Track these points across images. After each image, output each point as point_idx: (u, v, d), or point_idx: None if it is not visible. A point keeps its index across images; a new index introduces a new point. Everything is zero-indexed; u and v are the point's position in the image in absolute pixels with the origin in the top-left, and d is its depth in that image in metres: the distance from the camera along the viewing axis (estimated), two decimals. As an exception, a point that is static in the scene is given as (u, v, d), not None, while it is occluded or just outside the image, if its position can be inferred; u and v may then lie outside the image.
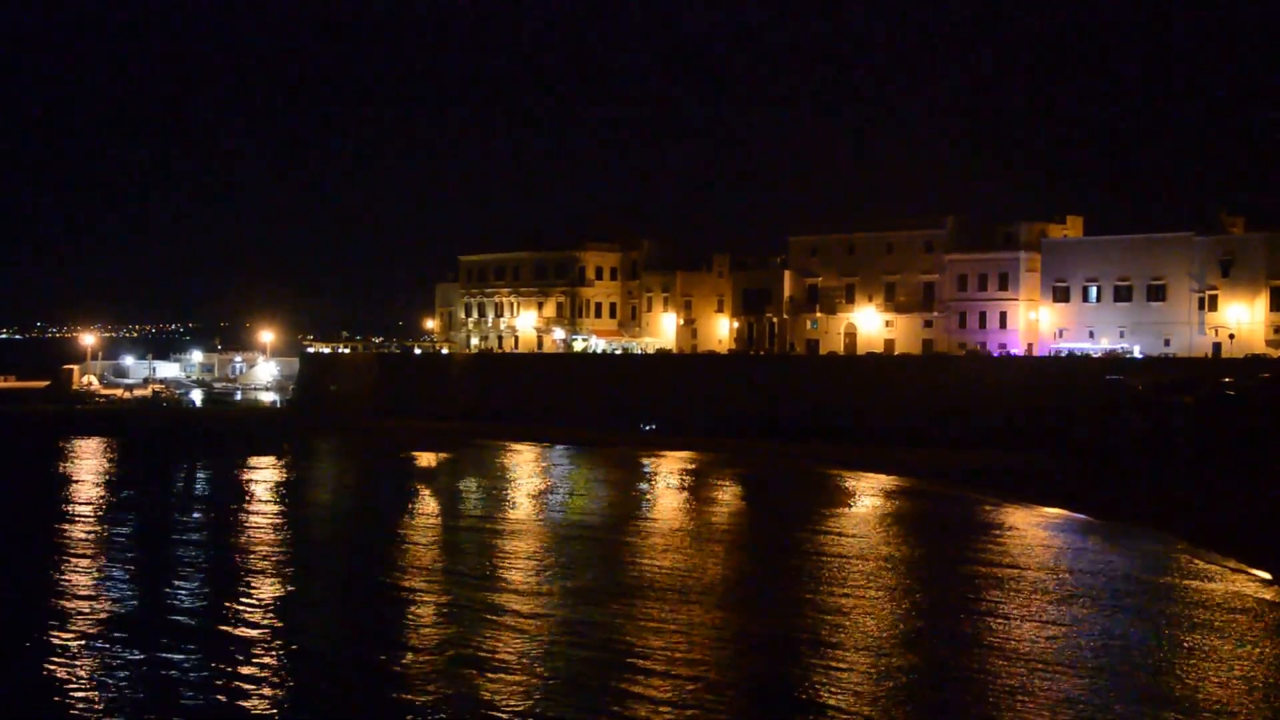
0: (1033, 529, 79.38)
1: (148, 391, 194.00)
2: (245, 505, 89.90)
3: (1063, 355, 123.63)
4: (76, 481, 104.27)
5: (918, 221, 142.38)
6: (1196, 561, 68.01)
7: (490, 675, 46.44)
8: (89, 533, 77.87)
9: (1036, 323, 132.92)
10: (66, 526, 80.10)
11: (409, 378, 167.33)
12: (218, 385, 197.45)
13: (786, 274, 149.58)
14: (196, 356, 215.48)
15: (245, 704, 43.45)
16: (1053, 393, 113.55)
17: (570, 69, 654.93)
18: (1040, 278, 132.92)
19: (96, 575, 64.75)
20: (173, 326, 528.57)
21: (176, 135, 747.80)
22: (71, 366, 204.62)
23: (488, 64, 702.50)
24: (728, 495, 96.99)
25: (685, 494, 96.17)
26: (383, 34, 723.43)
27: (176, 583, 63.10)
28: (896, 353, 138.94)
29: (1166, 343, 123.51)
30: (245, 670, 47.12)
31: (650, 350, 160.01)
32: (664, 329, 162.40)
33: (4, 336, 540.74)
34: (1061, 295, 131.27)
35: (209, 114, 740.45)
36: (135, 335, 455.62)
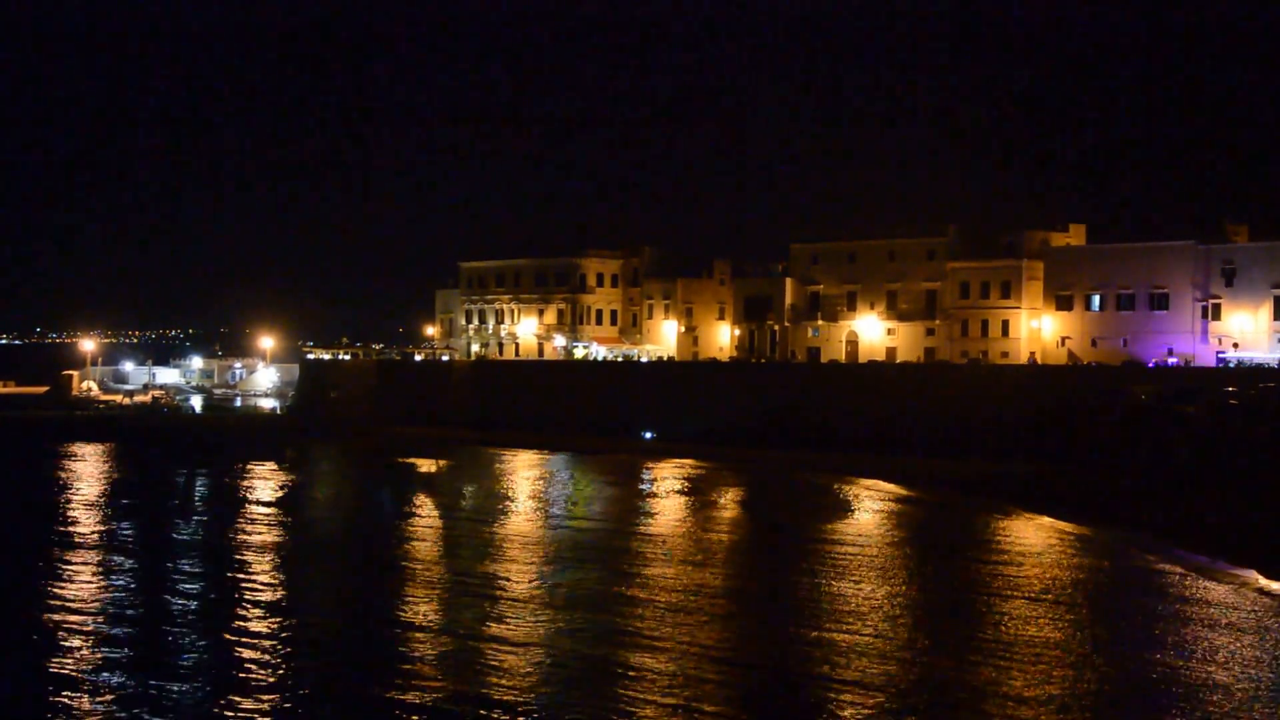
0: (1034, 538, 79.03)
1: (147, 397, 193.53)
2: (244, 511, 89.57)
3: (1232, 366, 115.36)
4: (75, 487, 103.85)
5: (920, 229, 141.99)
6: (1197, 569, 67.64)
7: (488, 683, 46.07)
8: (87, 537, 77.47)
9: (1039, 331, 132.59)
10: (64, 531, 79.71)
11: (409, 384, 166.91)
12: (217, 391, 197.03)
13: (788, 281, 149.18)
14: (196, 362, 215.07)
15: (242, 711, 43.13)
16: (1055, 402, 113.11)
17: (570, 74, 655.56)
18: (1043, 286, 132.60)
19: (95, 579, 64.36)
20: (173, 332, 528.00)
21: (176, 141, 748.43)
22: (71, 372, 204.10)
23: (488, 69, 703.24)
24: (728, 504, 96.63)
25: (686, 503, 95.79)
26: (382, 39, 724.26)
27: (174, 587, 62.77)
28: (898, 361, 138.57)
29: (1169, 351, 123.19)
30: (240, 678, 46.74)
31: (651, 357, 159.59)
32: (665, 336, 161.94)
33: (3, 342, 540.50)
34: (1064, 303, 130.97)
35: (209, 120, 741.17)
36: (135, 341, 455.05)
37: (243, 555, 71.96)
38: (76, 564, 69.16)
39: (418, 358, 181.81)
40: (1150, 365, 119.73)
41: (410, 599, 60.75)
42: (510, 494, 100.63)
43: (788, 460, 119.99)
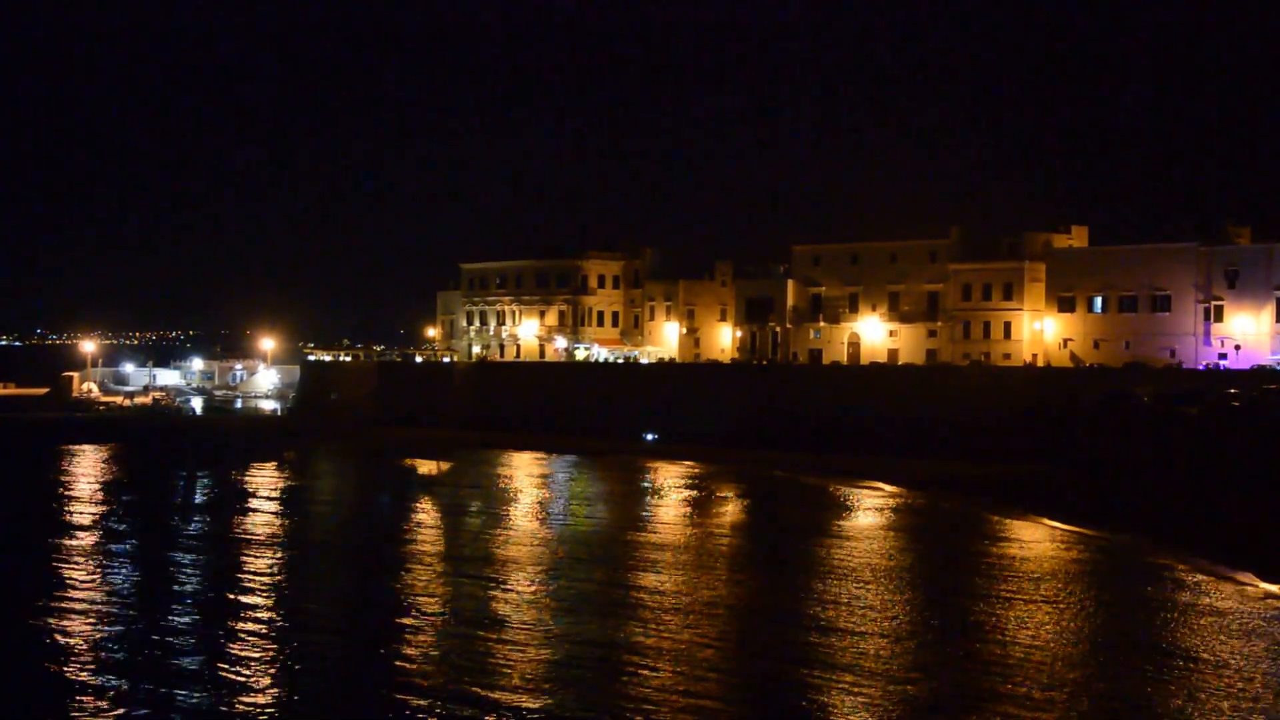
0: (1034, 540, 78.82)
1: (148, 399, 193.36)
2: (244, 513, 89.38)
3: None
4: (76, 488, 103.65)
5: (922, 231, 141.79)
6: (1196, 571, 67.48)
7: (489, 681, 45.90)
8: (88, 538, 77.30)
9: (1041, 333, 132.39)
10: (65, 532, 79.52)
11: (410, 386, 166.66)
12: (218, 393, 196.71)
13: (790, 283, 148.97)
14: (197, 364, 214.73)
15: (243, 706, 42.99)
16: (1057, 404, 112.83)
17: (572, 76, 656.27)
18: (1045, 288, 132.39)
19: (96, 579, 64.21)
20: (173, 334, 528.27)
21: (177, 142, 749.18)
22: (71, 374, 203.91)
23: (490, 70, 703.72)
24: (730, 506, 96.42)
25: (687, 505, 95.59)
26: (384, 40, 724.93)
27: (173, 587, 62.65)
28: (900, 363, 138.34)
29: (1171, 353, 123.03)
30: (241, 675, 46.57)
31: (653, 359, 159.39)
32: (666, 338, 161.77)
33: (4, 343, 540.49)
34: (1066, 305, 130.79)
35: (210, 121, 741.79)
36: (135, 342, 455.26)
37: (243, 556, 71.76)
38: (77, 564, 69.00)
39: (419, 359, 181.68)
40: (1203, 368, 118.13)
41: (411, 598, 60.57)
42: (511, 495, 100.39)
43: (789, 462, 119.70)
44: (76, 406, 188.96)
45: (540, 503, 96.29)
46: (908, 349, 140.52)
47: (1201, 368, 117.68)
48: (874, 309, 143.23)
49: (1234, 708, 44.23)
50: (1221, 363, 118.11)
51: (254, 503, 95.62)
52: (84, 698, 44.78)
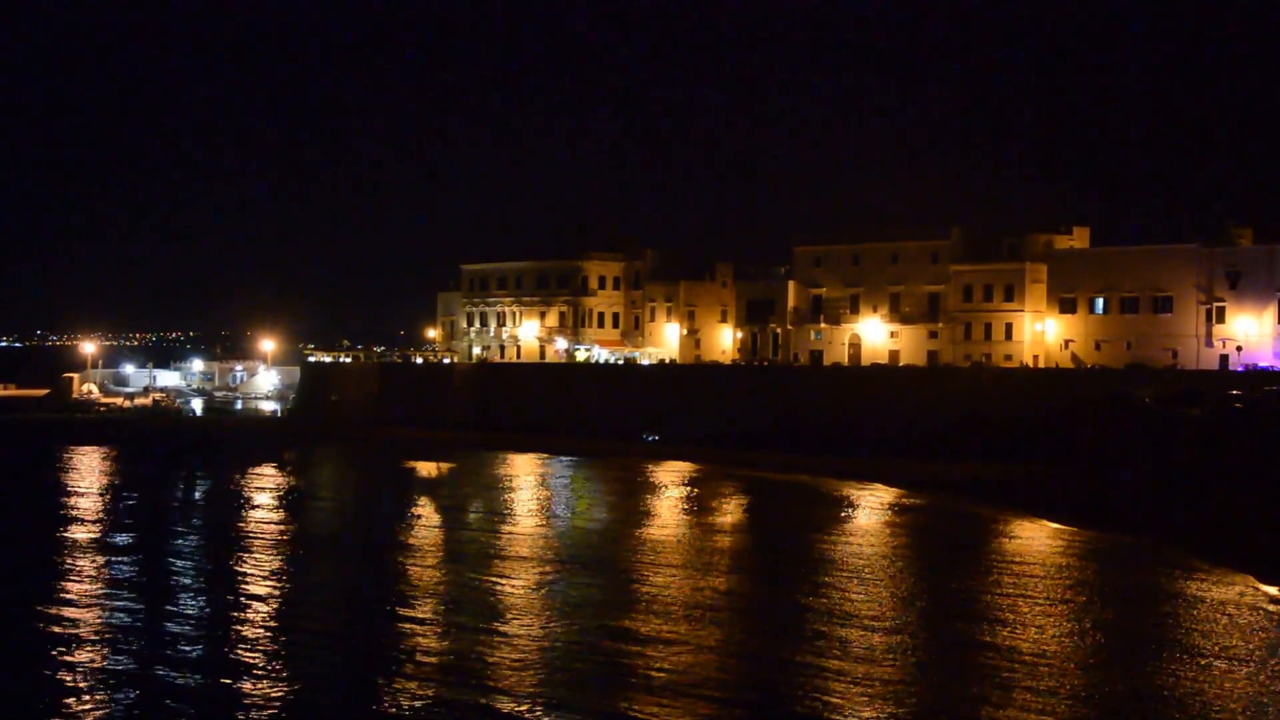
0: (1035, 541, 78.74)
1: (148, 400, 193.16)
2: (244, 513, 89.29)
3: None
4: (76, 489, 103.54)
5: (923, 232, 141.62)
6: (1195, 573, 67.34)
7: (489, 685, 45.76)
8: (87, 539, 77.18)
9: (1042, 334, 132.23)
10: (65, 533, 79.44)
11: (410, 387, 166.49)
12: (218, 394, 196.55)
13: (791, 284, 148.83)
14: (197, 365, 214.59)
15: (244, 708, 42.85)
16: (1058, 405, 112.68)
17: (573, 77, 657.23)
18: (1046, 289, 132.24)
19: (95, 580, 64.11)
20: (173, 335, 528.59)
21: (177, 143, 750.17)
22: (71, 375, 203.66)
23: (490, 72, 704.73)
24: (730, 507, 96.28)
25: (688, 506, 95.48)
26: (384, 42, 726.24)
27: (174, 588, 62.53)
28: (901, 364, 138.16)
29: (1173, 355, 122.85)
30: (241, 677, 46.44)
31: (653, 360, 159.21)
32: (667, 339, 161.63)
33: (4, 344, 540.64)
34: (1068, 306, 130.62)
35: (210, 121, 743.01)
36: (136, 343, 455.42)
37: (243, 557, 71.68)
38: (77, 566, 68.94)
39: (419, 360, 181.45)
40: (1240, 369, 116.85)
41: (411, 597, 60.49)
42: (512, 497, 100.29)
43: (789, 463, 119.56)
44: (77, 408, 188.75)
45: (541, 503, 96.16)
46: (908, 350, 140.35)
47: (1240, 369, 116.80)
48: (875, 310, 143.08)
49: (1234, 709, 44.09)
50: (1261, 364, 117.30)
51: (254, 503, 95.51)
52: (86, 690, 44.66)
